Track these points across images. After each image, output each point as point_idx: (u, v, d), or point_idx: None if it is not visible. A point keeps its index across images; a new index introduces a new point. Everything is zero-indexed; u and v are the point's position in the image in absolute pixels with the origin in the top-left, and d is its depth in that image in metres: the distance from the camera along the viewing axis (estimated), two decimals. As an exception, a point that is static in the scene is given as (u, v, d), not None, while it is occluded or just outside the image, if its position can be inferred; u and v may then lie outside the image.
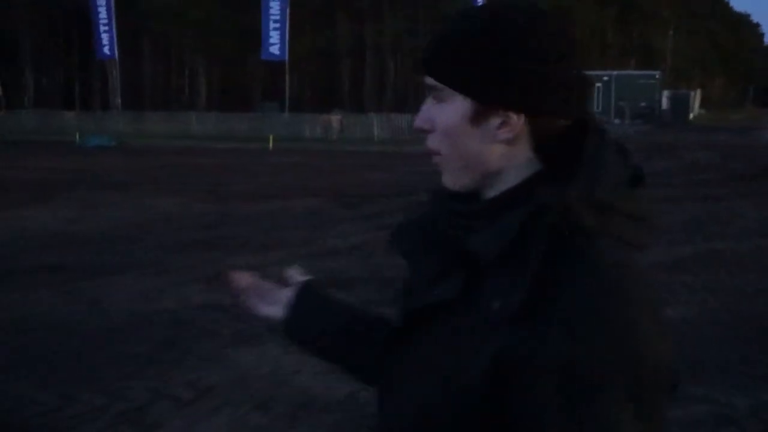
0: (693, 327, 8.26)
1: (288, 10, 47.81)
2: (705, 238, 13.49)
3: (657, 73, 67.11)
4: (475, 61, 1.34)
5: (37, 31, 75.00)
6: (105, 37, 52.84)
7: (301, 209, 17.84)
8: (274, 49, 48.48)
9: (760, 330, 8.56)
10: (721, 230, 14.45)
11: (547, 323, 1.21)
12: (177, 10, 71.19)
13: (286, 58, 49.08)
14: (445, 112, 1.39)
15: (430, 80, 1.41)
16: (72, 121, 54.59)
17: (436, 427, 1.33)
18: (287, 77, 52.14)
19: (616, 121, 57.10)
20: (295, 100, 67.10)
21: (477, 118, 1.36)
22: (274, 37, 48.06)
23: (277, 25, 47.78)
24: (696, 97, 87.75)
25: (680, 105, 71.24)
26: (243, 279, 1.90)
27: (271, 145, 40.91)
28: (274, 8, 47.56)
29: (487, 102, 1.35)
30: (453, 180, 1.44)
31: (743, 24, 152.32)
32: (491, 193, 1.41)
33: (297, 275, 1.88)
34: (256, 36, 51.69)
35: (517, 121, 1.34)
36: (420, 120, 1.45)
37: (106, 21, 52.49)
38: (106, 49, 53.48)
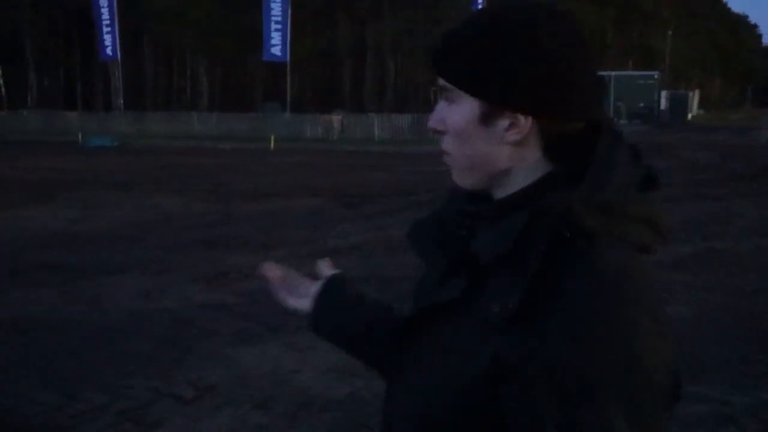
0: (692, 326, 8.26)
1: (289, 11, 47.81)
2: (704, 237, 13.49)
3: (656, 74, 67.03)
4: (482, 61, 1.34)
5: (39, 31, 75.02)
6: (107, 38, 52.85)
7: (302, 209, 17.84)
8: (276, 50, 48.48)
9: (760, 329, 8.56)
10: (720, 230, 14.44)
11: (544, 325, 1.21)
12: (178, 11, 71.17)
13: (288, 58, 49.09)
14: (455, 113, 1.40)
15: (441, 81, 1.41)
16: (74, 121, 54.53)
17: (435, 426, 1.33)
18: (288, 78, 52.18)
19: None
20: (297, 100, 67.15)
21: (485, 119, 1.36)
22: (276, 38, 48.06)
23: (279, 26, 47.78)
24: (695, 98, 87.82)
25: (679, 105, 71.25)
26: (273, 271, 1.89)
27: (272, 145, 40.92)
28: (276, 9, 47.56)
29: (494, 103, 1.34)
30: (461, 180, 1.45)
31: (741, 25, 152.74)
32: (500, 194, 1.41)
33: (327, 268, 1.88)
34: (257, 37, 51.69)
35: (525, 122, 1.34)
36: (433, 121, 1.45)
37: (108, 22, 52.50)
38: (108, 50, 53.51)
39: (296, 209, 17.79)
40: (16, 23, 71.47)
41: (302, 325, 7.14)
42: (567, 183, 1.31)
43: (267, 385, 6.85)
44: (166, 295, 9.89)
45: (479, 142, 1.38)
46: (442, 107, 1.43)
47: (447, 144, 1.44)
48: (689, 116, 76.29)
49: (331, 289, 1.81)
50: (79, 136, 45.55)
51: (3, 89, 72.45)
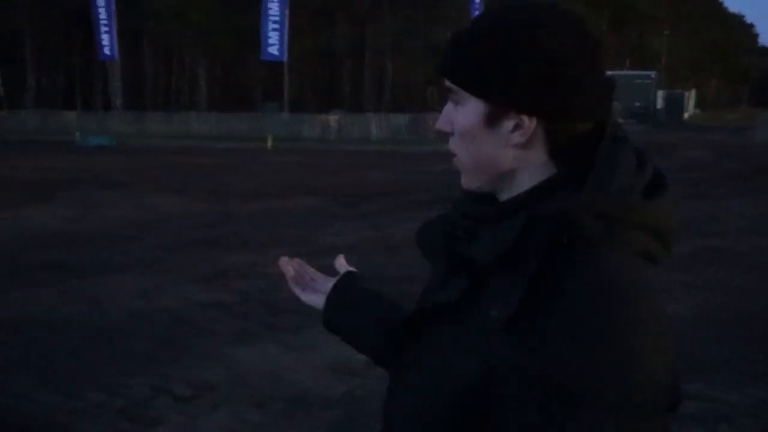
0: (690, 325, 8.28)
1: (287, 11, 47.77)
2: (702, 236, 13.51)
3: (652, 74, 66.97)
4: (486, 62, 1.33)
5: (38, 31, 74.83)
6: (105, 38, 52.77)
7: (300, 208, 17.89)
8: (274, 50, 48.41)
9: (757, 328, 8.60)
10: (717, 229, 14.48)
11: (538, 332, 1.20)
12: (177, 11, 71.05)
13: (285, 58, 49.05)
14: (461, 115, 1.40)
15: (447, 83, 1.41)
16: (73, 121, 54.53)
17: (434, 426, 1.33)
18: (286, 77, 52.14)
19: None
20: (295, 100, 67.07)
21: (490, 120, 1.36)
22: (274, 37, 47.99)
23: (277, 25, 47.72)
24: (691, 97, 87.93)
25: (675, 105, 71.33)
26: (288, 267, 1.93)
27: (270, 144, 40.91)
28: (273, 9, 47.50)
29: (498, 104, 1.34)
30: (468, 181, 1.45)
31: (738, 25, 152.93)
32: (505, 196, 1.41)
33: (344, 265, 1.91)
34: (255, 36, 51.56)
35: (530, 124, 1.33)
36: (440, 122, 1.45)
37: (106, 22, 52.42)
38: (106, 50, 53.43)
39: (294, 209, 17.83)
40: (16, 23, 71.36)
41: (300, 324, 7.18)
42: (571, 186, 1.30)
43: (265, 384, 6.87)
44: (164, 295, 9.91)
45: (485, 144, 1.38)
46: (449, 109, 1.43)
47: (454, 146, 1.44)
48: (685, 116, 76.48)
49: (344, 287, 1.83)
50: (77, 136, 45.53)
51: (2, 89, 72.27)
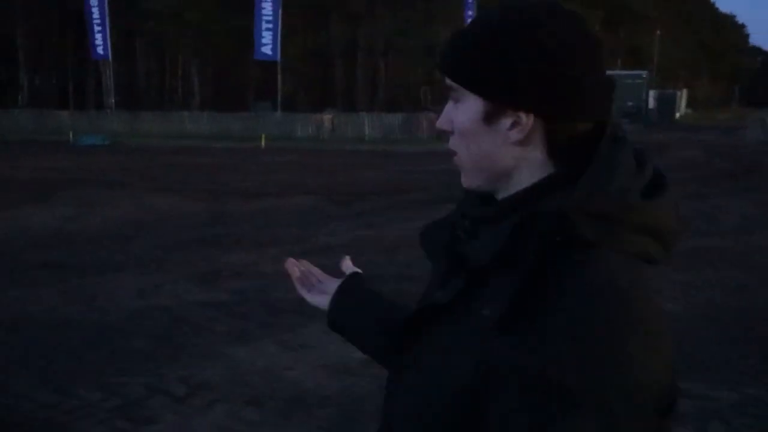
0: (679, 322, 8.29)
1: (280, 11, 47.76)
2: (692, 235, 13.56)
3: (644, 73, 66.80)
4: (483, 60, 1.33)
5: (31, 30, 74.70)
6: (98, 38, 52.73)
7: (294, 207, 17.92)
8: (267, 50, 48.41)
9: (746, 325, 8.65)
10: (708, 228, 14.48)
11: (536, 331, 1.19)
12: (172, 11, 70.95)
13: (278, 58, 49.05)
14: (460, 113, 1.40)
15: (448, 81, 1.41)
16: (66, 120, 54.31)
17: (433, 426, 1.33)
18: (279, 77, 52.13)
19: None
20: (289, 99, 67.00)
21: (489, 118, 1.35)
22: (267, 37, 47.98)
23: (270, 25, 47.71)
24: (682, 97, 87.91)
25: (667, 105, 71.24)
26: (294, 268, 1.93)
27: (263, 144, 40.88)
28: (267, 9, 47.50)
29: (496, 101, 1.34)
30: (469, 181, 1.45)
31: (729, 24, 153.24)
32: (503, 195, 1.40)
33: (350, 267, 1.91)
34: (249, 36, 51.57)
35: (527, 121, 1.32)
36: (441, 121, 1.46)
37: (99, 21, 52.38)
38: (99, 50, 53.39)
39: (288, 208, 17.86)
40: (9, 22, 71.20)
41: (297, 323, 7.21)
42: (570, 186, 1.29)
43: (262, 383, 6.90)
44: (162, 294, 9.93)
45: (483, 142, 1.38)
46: (449, 107, 1.44)
47: (454, 144, 1.44)
48: (677, 116, 76.42)
49: (349, 288, 1.84)
50: (71, 135, 45.45)
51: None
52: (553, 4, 1.35)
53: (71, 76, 78.33)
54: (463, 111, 1.39)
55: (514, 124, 1.33)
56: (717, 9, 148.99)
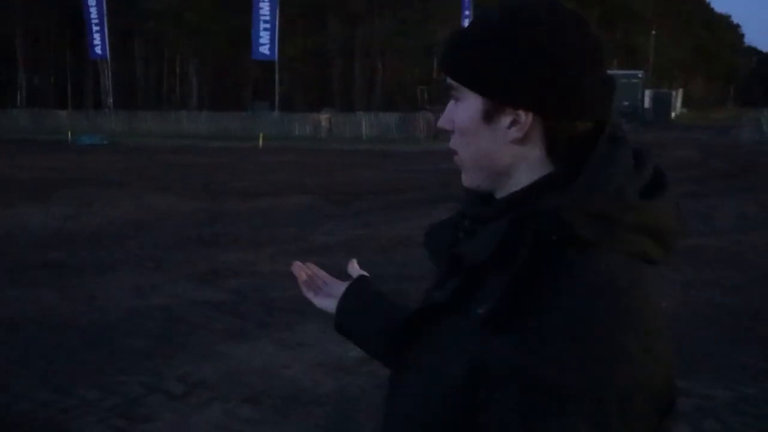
0: (674, 320, 8.26)
1: (278, 11, 47.79)
2: (687, 233, 13.56)
3: (640, 73, 66.74)
4: (484, 58, 1.33)
5: (30, 30, 74.68)
6: (97, 38, 52.78)
7: (292, 206, 17.93)
8: (264, 50, 48.44)
9: (741, 323, 8.68)
10: (703, 227, 14.47)
11: (524, 332, 1.19)
12: (170, 11, 70.92)
13: (276, 58, 49.08)
14: (460, 111, 1.40)
15: (449, 80, 1.41)
16: (64, 120, 54.40)
17: (433, 426, 1.32)
18: (277, 77, 52.14)
19: None
20: (286, 99, 67.00)
21: (488, 116, 1.35)
22: (264, 37, 48.02)
23: (267, 25, 47.75)
24: (678, 97, 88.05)
25: (662, 104, 71.24)
26: (300, 272, 1.93)
27: (261, 143, 40.89)
28: (264, 9, 47.54)
29: (495, 99, 1.34)
30: (469, 180, 1.45)
31: (724, 25, 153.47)
32: (502, 194, 1.40)
33: (356, 270, 1.90)
34: (247, 36, 51.61)
35: (526, 119, 1.32)
36: (442, 120, 1.45)
37: (97, 21, 52.42)
38: (97, 49, 53.45)
39: (286, 207, 17.87)
40: (8, 23, 71.16)
41: (294, 322, 7.22)
42: (568, 185, 1.28)
43: (258, 381, 6.91)
44: (159, 292, 9.96)
45: (483, 141, 1.38)
46: (450, 107, 1.43)
47: (455, 143, 1.44)
48: (673, 115, 76.45)
49: (356, 291, 1.83)
50: (69, 135, 45.45)
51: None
52: (553, 3, 1.35)
53: (70, 75, 78.32)
54: (463, 110, 1.39)
55: (513, 123, 1.33)
56: (713, 9, 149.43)
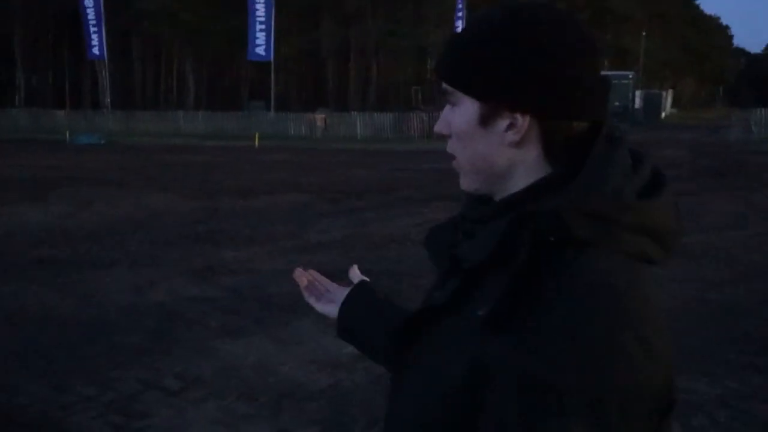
0: (668, 318, 8.34)
1: (273, 12, 47.82)
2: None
3: (630, 74, 66.61)
4: (478, 63, 1.33)
5: (28, 30, 74.57)
6: (94, 38, 52.79)
7: (287, 205, 17.95)
8: (260, 50, 48.53)
9: (728, 320, 8.73)
10: (691, 224, 14.47)
11: (523, 333, 1.19)
12: (166, 12, 70.84)
13: (272, 58, 49.12)
14: (457, 116, 1.39)
15: (444, 84, 1.40)
16: (62, 119, 54.40)
17: (433, 426, 1.33)
18: (272, 77, 52.18)
19: None
20: (282, 99, 67.00)
21: (485, 120, 1.35)
22: (260, 38, 48.11)
23: (263, 26, 47.85)
24: (668, 97, 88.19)
25: (652, 104, 71.34)
26: (302, 278, 1.93)
27: (257, 143, 40.90)
28: (260, 10, 47.60)
29: (491, 103, 1.33)
30: (467, 183, 1.44)
31: (713, 26, 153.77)
32: (500, 196, 1.40)
33: (357, 275, 1.91)
34: (243, 37, 51.67)
35: (523, 122, 1.31)
36: (439, 125, 1.44)
37: (94, 22, 52.41)
38: (95, 50, 53.47)
39: (281, 205, 17.90)
40: (6, 23, 71.07)
41: (289, 319, 7.29)
42: (565, 186, 1.28)
43: (254, 377, 6.96)
44: (155, 289, 10.00)
45: (480, 144, 1.37)
46: (447, 111, 1.42)
47: (452, 147, 1.43)
48: (663, 115, 76.59)
49: (357, 296, 1.82)
50: (67, 135, 45.40)
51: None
52: (548, 5, 1.35)
53: (67, 76, 78.33)
54: (460, 114, 1.38)
55: (510, 126, 1.33)
56: (702, 11, 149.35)
